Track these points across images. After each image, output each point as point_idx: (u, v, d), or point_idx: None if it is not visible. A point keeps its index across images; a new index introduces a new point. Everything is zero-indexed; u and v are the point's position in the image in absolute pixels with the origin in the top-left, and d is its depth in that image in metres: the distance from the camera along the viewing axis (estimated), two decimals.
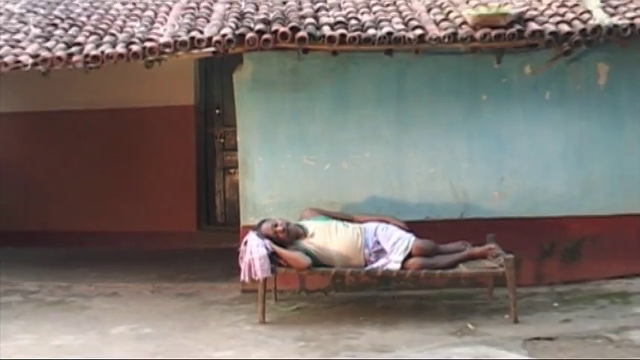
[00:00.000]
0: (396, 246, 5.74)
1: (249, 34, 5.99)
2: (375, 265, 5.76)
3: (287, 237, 5.79)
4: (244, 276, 5.69)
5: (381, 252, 5.79)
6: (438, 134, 6.53)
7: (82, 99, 8.51)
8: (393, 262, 5.70)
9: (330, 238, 5.82)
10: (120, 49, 6.10)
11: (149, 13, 6.92)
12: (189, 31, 6.19)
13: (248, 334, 5.46)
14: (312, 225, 5.94)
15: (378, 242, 5.80)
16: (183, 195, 8.82)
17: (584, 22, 6.08)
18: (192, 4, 6.95)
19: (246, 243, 5.76)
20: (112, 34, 6.42)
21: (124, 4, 7.31)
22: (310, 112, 6.56)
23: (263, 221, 5.93)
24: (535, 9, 6.41)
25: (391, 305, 6.12)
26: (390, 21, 6.23)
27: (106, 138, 8.77)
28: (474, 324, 5.43)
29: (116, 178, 8.77)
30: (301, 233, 5.87)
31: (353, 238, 5.80)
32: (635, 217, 6.53)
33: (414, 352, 4.89)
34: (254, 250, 5.64)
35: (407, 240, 5.76)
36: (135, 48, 6.07)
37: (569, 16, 6.20)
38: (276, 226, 5.79)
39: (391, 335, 5.29)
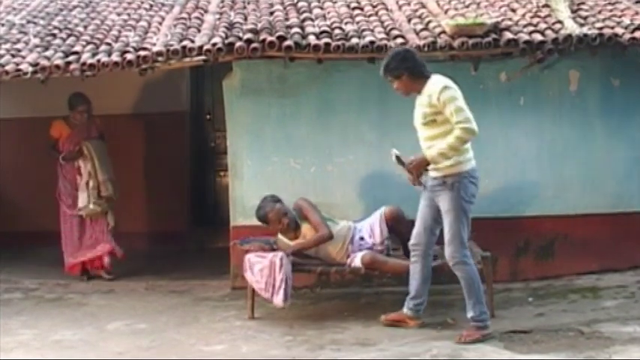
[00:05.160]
0: (370, 221, 5.89)
1: (238, 43, 6.07)
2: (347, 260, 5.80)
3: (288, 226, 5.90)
4: (269, 294, 5.58)
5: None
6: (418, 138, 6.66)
7: None
8: (357, 258, 5.71)
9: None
10: (115, 57, 6.16)
11: (143, 23, 6.99)
12: (181, 41, 6.26)
13: (238, 329, 5.54)
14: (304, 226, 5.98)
15: (361, 238, 5.87)
16: (176, 196, 8.82)
17: (556, 31, 6.18)
18: (184, 15, 7.02)
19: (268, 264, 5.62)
20: (108, 44, 6.47)
21: (119, 15, 7.38)
22: (296, 117, 6.62)
23: (265, 212, 5.89)
24: (510, 19, 6.51)
25: (374, 301, 6.17)
26: (372, 30, 6.32)
27: None
28: (453, 318, 5.51)
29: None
30: (292, 227, 5.94)
31: (341, 234, 5.87)
32: (605, 216, 6.65)
33: (396, 346, 4.97)
34: (288, 274, 5.57)
35: (378, 212, 5.89)
36: (129, 57, 6.14)
37: (542, 26, 6.31)
38: (284, 215, 5.87)
39: (374, 330, 5.36)
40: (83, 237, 7.23)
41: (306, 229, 5.93)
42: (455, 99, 4.95)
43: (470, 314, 5.09)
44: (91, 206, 7.09)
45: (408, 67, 5.10)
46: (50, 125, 7.27)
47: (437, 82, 5.04)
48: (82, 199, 7.14)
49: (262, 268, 5.61)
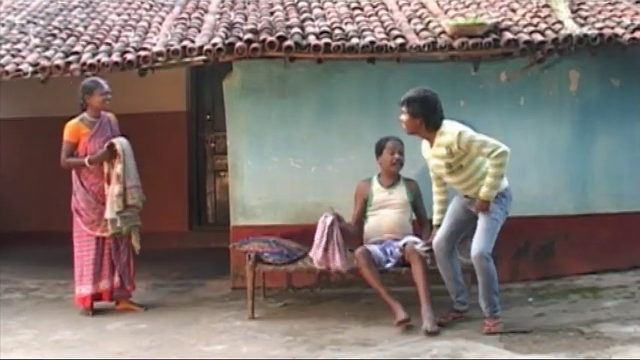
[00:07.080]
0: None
1: (239, 44, 6.08)
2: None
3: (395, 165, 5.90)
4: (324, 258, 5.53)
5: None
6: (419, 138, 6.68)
7: (79, 105, 8.58)
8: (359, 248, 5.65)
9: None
10: (115, 57, 6.19)
11: (143, 23, 7.02)
12: (181, 41, 6.28)
13: (238, 329, 5.54)
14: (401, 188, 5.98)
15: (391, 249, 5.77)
16: (176, 197, 8.86)
17: (556, 32, 6.19)
18: (184, 15, 7.04)
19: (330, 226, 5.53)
20: (108, 44, 6.50)
21: (119, 15, 7.41)
22: (296, 118, 6.63)
23: (388, 137, 5.89)
24: (510, 19, 6.52)
25: (374, 301, 6.01)
26: (372, 31, 6.32)
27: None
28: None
29: None
30: (397, 169, 5.93)
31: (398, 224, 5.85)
32: (605, 216, 6.67)
33: (396, 346, 4.96)
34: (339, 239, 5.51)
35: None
36: (129, 57, 6.16)
37: (542, 26, 6.32)
38: (401, 153, 5.89)
39: (374, 330, 5.36)
40: (103, 261, 6.08)
41: (399, 191, 5.92)
42: (473, 137, 5.02)
43: (488, 308, 5.17)
44: (118, 223, 5.89)
45: (427, 116, 5.12)
46: (64, 129, 6.06)
47: (449, 132, 5.05)
48: (108, 212, 5.91)
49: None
